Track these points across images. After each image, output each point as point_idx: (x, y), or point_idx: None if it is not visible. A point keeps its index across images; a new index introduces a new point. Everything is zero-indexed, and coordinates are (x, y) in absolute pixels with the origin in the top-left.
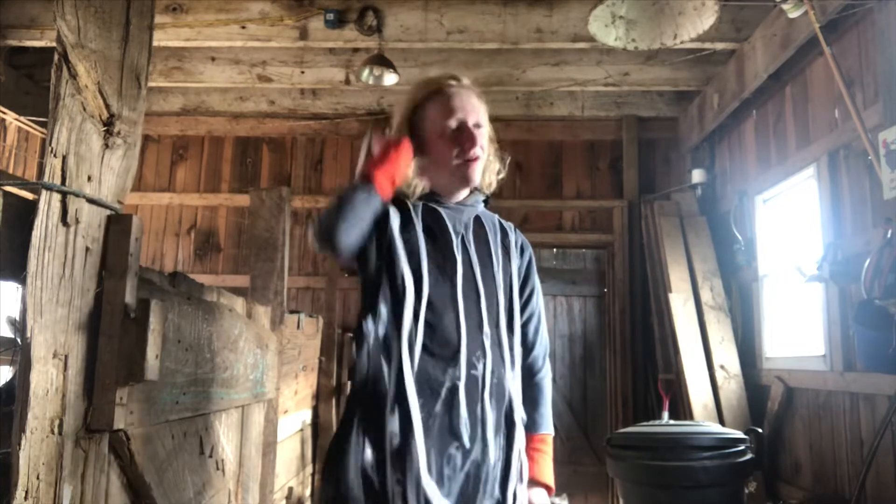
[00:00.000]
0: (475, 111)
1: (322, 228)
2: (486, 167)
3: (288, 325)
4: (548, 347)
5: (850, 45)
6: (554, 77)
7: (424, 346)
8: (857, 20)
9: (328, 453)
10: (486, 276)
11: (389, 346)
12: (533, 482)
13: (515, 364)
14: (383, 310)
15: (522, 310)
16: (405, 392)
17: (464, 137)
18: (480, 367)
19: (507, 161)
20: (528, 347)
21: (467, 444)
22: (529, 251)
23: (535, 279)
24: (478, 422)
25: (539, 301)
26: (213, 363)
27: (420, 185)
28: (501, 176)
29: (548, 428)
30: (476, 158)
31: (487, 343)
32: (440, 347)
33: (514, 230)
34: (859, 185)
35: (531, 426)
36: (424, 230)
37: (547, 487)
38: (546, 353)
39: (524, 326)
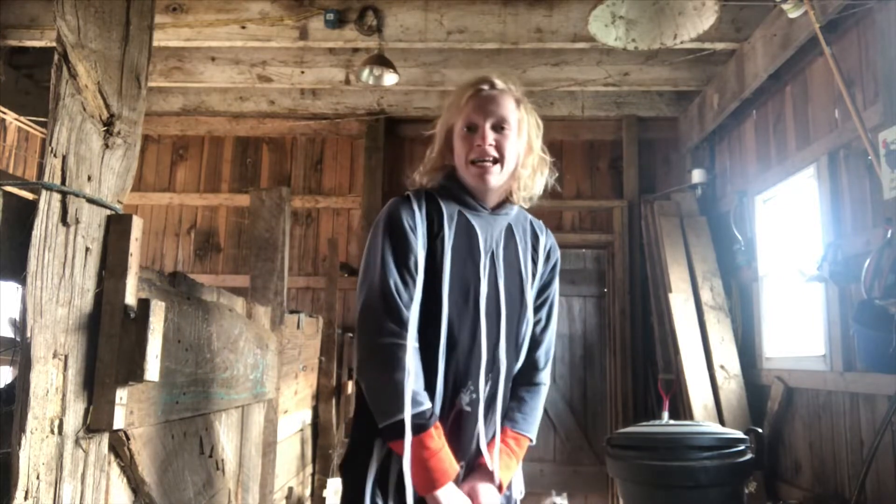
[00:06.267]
0: (499, 113)
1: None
2: (520, 179)
3: (288, 325)
4: (551, 357)
5: (850, 45)
6: (554, 77)
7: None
8: (857, 20)
9: (346, 457)
10: (512, 293)
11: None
12: (485, 474)
13: None
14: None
15: (534, 313)
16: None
17: (475, 136)
18: (489, 388)
19: (552, 176)
20: (529, 351)
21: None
22: (556, 256)
23: (554, 288)
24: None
25: (552, 309)
26: (213, 363)
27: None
28: (538, 192)
29: (526, 430)
30: (486, 158)
31: (503, 360)
32: (455, 372)
33: (546, 232)
34: (859, 185)
35: (510, 422)
36: (454, 248)
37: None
38: (548, 362)
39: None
